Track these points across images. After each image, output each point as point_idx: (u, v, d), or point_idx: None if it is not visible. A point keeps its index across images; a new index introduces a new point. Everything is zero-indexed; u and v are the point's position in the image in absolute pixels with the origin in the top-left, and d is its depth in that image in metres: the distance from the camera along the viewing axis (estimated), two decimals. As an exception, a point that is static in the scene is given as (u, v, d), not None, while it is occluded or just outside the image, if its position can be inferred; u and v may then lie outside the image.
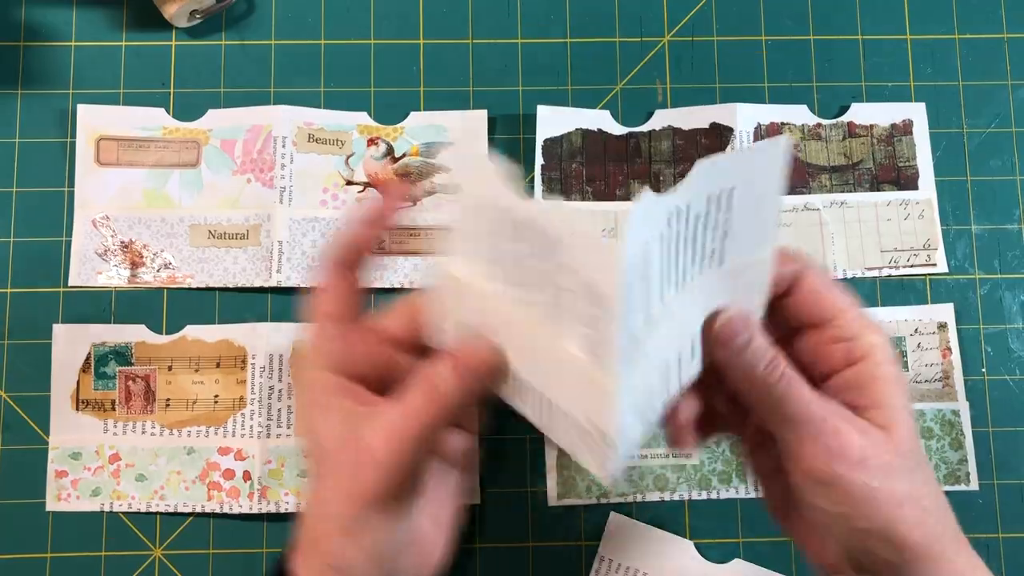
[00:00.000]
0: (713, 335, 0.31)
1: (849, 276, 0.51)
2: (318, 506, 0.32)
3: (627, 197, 0.52)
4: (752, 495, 0.49)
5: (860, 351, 0.31)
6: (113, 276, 0.50)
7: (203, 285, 0.50)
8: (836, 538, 0.31)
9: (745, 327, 0.30)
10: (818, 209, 0.52)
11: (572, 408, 0.30)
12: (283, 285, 0.49)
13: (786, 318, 0.32)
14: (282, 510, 0.48)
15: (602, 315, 0.26)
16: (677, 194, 0.26)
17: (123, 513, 0.48)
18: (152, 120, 0.51)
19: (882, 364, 0.31)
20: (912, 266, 0.51)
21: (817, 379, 0.32)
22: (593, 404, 0.28)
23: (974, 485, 0.49)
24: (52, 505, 0.48)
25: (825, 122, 0.53)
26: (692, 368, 0.31)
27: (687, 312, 0.30)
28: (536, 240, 0.28)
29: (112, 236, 0.50)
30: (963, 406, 0.50)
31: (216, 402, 0.49)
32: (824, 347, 0.32)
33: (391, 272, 0.50)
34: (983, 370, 0.51)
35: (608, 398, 0.27)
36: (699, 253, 0.29)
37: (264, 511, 0.48)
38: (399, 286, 0.50)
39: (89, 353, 0.49)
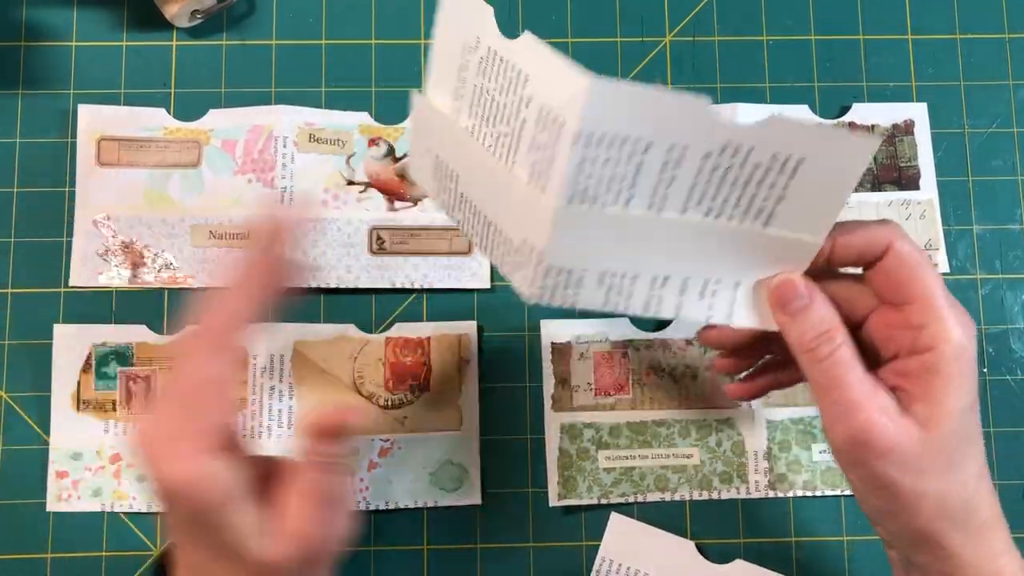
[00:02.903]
0: (770, 293, 0.31)
1: (850, 276, 0.51)
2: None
3: (628, 197, 0.51)
4: (753, 496, 0.49)
5: (927, 342, 0.30)
6: (114, 276, 0.50)
7: (204, 285, 0.50)
8: (866, 501, 0.32)
9: (802, 292, 0.31)
10: (819, 209, 0.52)
11: (510, 228, 0.30)
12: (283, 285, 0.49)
13: (869, 289, 0.32)
14: (283, 510, 0.48)
15: (551, 139, 0.27)
16: (738, 129, 0.27)
17: (124, 513, 0.48)
18: (153, 120, 0.51)
19: (945, 360, 0.30)
20: (913, 266, 0.51)
21: (883, 358, 0.32)
22: (529, 222, 0.29)
23: (975, 485, 0.49)
24: (53, 505, 0.48)
25: (826, 122, 0.53)
26: (698, 308, 0.31)
27: (712, 249, 0.30)
28: (504, 75, 0.28)
29: (113, 236, 0.50)
30: (964, 406, 0.50)
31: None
32: (895, 330, 0.31)
33: (392, 272, 0.50)
34: (984, 370, 0.51)
35: (544, 214, 0.28)
36: (746, 201, 0.29)
37: (265, 511, 0.48)
38: (399, 286, 0.50)
39: (90, 353, 0.49)
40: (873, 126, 0.53)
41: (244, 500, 0.30)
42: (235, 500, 0.30)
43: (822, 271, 0.32)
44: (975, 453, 0.31)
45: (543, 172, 0.27)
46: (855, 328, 0.32)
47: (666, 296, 0.31)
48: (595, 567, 0.48)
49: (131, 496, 0.48)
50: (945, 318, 0.30)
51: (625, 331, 0.50)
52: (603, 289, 0.31)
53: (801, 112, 0.53)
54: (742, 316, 0.32)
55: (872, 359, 0.32)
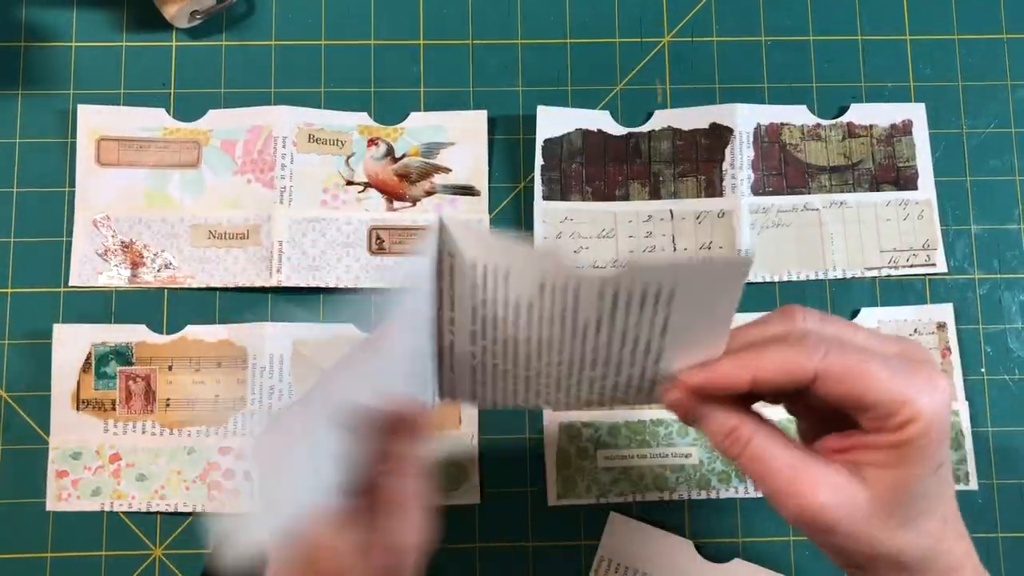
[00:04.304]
0: (668, 407, 0.31)
1: (848, 276, 0.51)
2: None
3: (627, 197, 0.52)
4: (752, 495, 0.49)
5: (892, 425, 0.27)
6: (114, 276, 0.50)
7: (204, 285, 0.50)
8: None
9: (690, 407, 0.30)
10: (817, 209, 0.52)
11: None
12: (283, 285, 0.49)
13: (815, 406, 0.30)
14: (282, 510, 0.48)
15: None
16: (600, 274, 0.28)
17: (123, 513, 0.48)
18: (153, 120, 0.51)
19: (912, 439, 0.27)
20: (911, 266, 0.51)
21: (839, 423, 0.30)
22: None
23: (973, 485, 0.49)
24: (52, 505, 0.48)
25: (824, 122, 0.53)
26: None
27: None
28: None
29: (113, 236, 0.50)
30: (963, 406, 0.50)
31: (217, 402, 0.49)
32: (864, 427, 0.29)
33: (392, 272, 0.50)
34: (982, 370, 0.51)
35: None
36: (631, 340, 0.30)
37: (264, 511, 0.48)
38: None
39: (89, 353, 0.49)
40: (871, 126, 0.53)
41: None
42: None
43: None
44: (936, 508, 0.29)
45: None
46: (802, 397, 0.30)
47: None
48: (594, 566, 0.48)
49: (130, 496, 0.48)
50: (911, 400, 0.27)
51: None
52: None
53: (799, 111, 0.53)
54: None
55: (820, 423, 0.31)
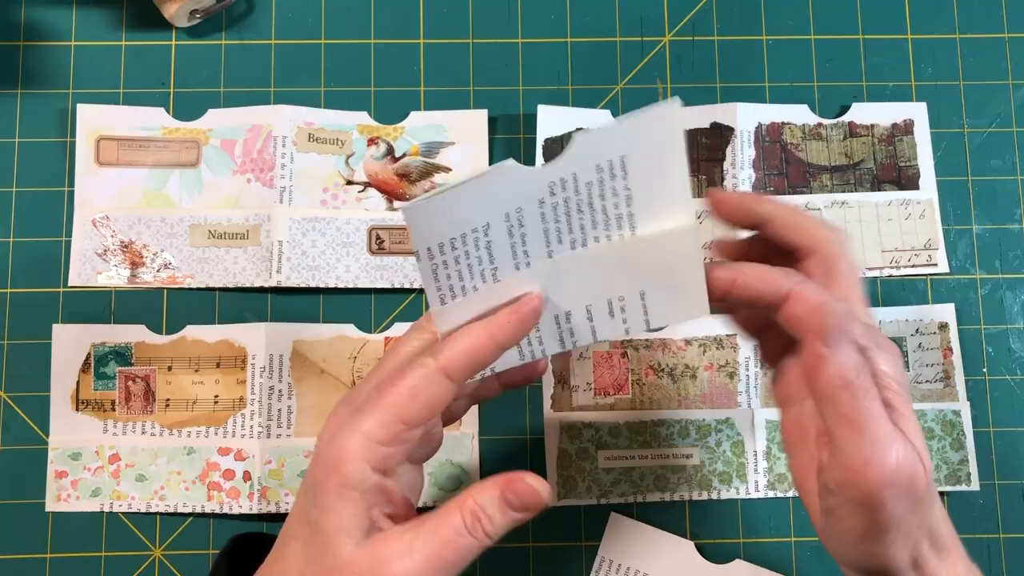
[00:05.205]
0: (806, 322, 0.30)
1: (850, 276, 0.51)
2: None
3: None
4: (753, 496, 0.49)
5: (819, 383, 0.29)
6: (113, 276, 0.50)
7: (203, 285, 0.50)
8: (854, 545, 0.31)
9: (841, 320, 0.29)
10: (819, 209, 0.52)
11: None
12: (283, 285, 0.49)
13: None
14: (282, 510, 0.48)
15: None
16: (554, 165, 0.29)
17: (123, 513, 0.48)
18: (152, 120, 0.51)
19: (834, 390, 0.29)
20: (913, 266, 0.51)
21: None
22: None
23: (975, 485, 0.49)
24: (52, 505, 0.48)
25: (826, 122, 0.53)
26: (613, 327, 0.32)
27: (598, 272, 0.31)
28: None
29: (112, 236, 0.50)
30: (964, 406, 0.50)
31: (216, 402, 0.49)
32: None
33: (391, 272, 0.50)
34: (984, 370, 0.51)
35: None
36: (600, 217, 0.30)
37: (264, 511, 0.48)
38: (399, 286, 0.50)
39: (89, 353, 0.49)
40: (872, 126, 0.53)
41: (364, 495, 0.30)
42: (354, 490, 0.29)
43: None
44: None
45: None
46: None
47: (576, 328, 0.32)
48: (594, 567, 0.48)
49: (130, 496, 0.48)
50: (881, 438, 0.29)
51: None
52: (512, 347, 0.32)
53: (800, 110, 0.53)
54: (659, 318, 0.32)
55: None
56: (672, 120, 0.29)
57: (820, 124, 0.53)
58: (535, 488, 0.30)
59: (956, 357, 0.50)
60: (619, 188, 0.29)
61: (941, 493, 0.49)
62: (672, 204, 0.30)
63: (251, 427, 0.49)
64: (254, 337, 0.49)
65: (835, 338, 0.29)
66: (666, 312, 0.32)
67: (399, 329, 0.50)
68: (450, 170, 0.52)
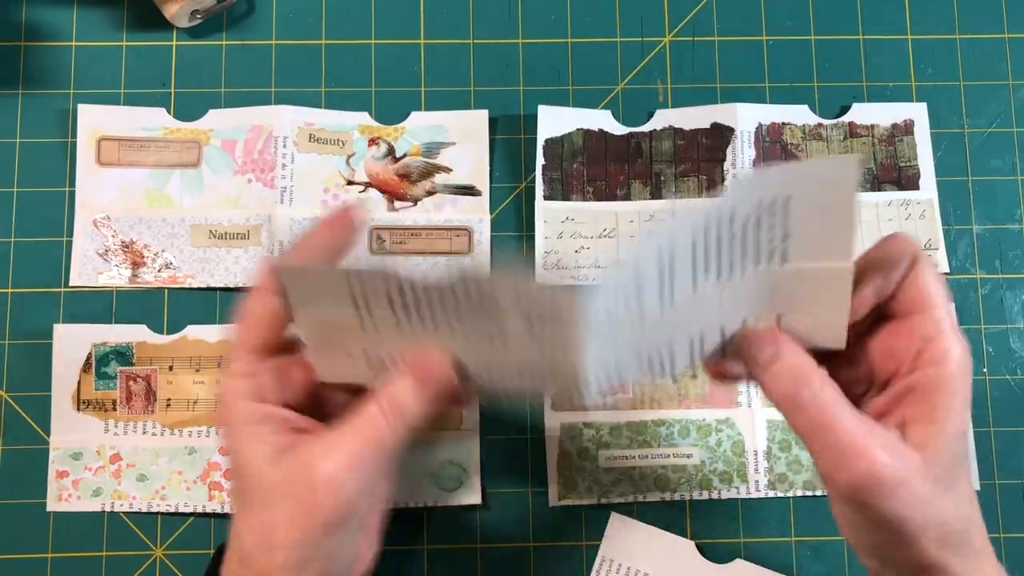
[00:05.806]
0: (739, 350, 0.31)
1: (850, 276, 0.51)
2: (261, 536, 0.31)
3: (628, 197, 0.52)
4: (753, 496, 0.49)
5: (933, 354, 0.30)
6: (114, 276, 0.50)
7: (204, 285, 0.50)
8: (860, 537, 0.31)
9: (768, 342, 0.30)
10: (819, 209, 0.52)
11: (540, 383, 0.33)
12: (284, 285, 0.49)
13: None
14: (283, 510, 0.48)
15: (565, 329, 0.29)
16: (713, 205, 0.29)
17: (124, 513, 0.48)
18: (153, 120, 0.51)
19: (950, 374, 0.29)
20: (913, 266, 0.51)
21: (877, 380, 0.32)
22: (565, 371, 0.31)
23: (975, 485, 0.49)
24: (53, 505, 0.48)
25: (826, 122, 0.53)
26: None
27: (728, 299, 0.31)
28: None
29: (113, 236, 0.50)
30: (964, 406, 0.50)
31: (217, 402, 0.49)
32: (899, 340, 0.31)
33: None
34: (984, 370, 0.51)
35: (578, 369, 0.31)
36: (752, 250, 0.30)
37: (265, 511, 0.48)
38: (400, 286, 0.50)
39: (90, 353, 0.49)
40: (873, 126, 0.53)
41: (262, 423, 0.31)
42: (246, 424, 0.31)
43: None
44: (966, 473, 0.30)
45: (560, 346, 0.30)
46: (842, 362, 0.32)
47: (708, 346, 0.33)
48: (595, 567, 0.48)
49: (131, 496, 0.48)
50: (950, 332, 0.30)
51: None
52: (644, 363, 0.32)
53: (800, 111, 0.53)
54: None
55: (860, 388, 0.32)
56: (851, 172, 0.29)
57: (820, 124, 0.53)
58: (437, 358, 0.32)
59: (956, 357, 0.51)
60: (777, 224, 0.30)
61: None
62: (836, 245, 0.30)
63: (252, 427, 0.49)
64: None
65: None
66: (802, 339, 0.32)
67: (400, 329, 0.50)
68: (451, 170, 0.52)
